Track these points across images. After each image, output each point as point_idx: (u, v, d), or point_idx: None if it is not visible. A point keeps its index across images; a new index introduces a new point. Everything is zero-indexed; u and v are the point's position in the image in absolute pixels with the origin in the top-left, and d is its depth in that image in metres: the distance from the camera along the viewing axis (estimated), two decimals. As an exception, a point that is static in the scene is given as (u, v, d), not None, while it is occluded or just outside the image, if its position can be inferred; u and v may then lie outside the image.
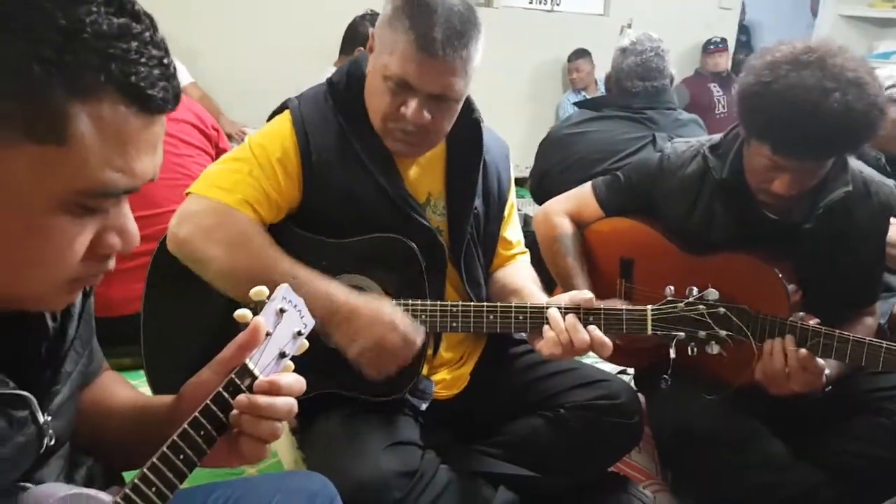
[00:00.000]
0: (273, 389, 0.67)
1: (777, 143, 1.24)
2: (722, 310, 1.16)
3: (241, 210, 1.15)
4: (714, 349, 1.17)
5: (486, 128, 1.34)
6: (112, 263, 0.57)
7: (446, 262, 1.26)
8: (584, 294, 1.18)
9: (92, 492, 0.60)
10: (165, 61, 0.52)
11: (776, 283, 1.34)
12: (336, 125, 1.21)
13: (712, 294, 1.17)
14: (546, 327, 1.15)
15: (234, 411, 0.66)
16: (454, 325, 1.20)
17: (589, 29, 4.84)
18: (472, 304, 1.22)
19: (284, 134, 1.20)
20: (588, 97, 4.37)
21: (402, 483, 1.13)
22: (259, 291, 0.73)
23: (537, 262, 1.51)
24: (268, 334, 0.69)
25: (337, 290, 1.12)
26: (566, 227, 1.59)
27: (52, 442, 0.62)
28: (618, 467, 1.52)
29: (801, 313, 1.32)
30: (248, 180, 1.16)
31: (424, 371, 1.28)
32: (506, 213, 1.42)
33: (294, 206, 1.21)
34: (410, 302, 1.19)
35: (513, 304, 1.20)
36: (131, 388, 0.81)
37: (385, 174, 1.21)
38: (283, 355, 0.72)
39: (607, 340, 1.12)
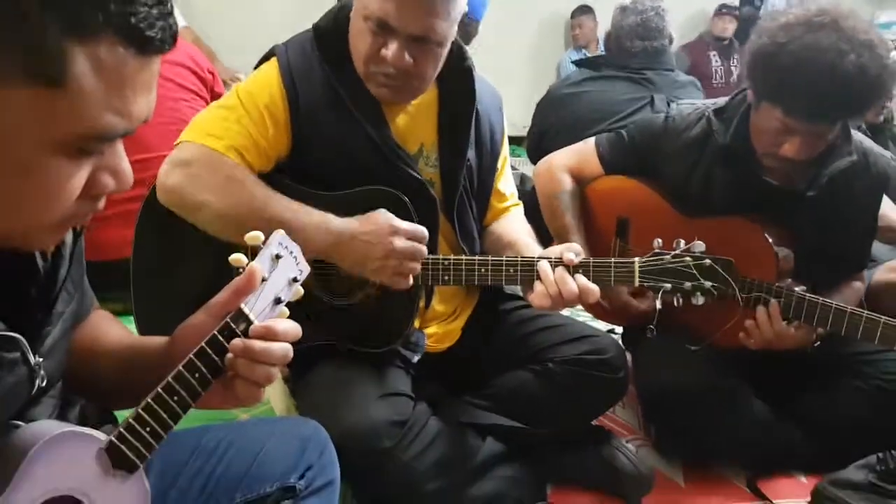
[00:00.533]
0: (269, 334, 0.67)
1: (790, 104, 1.24)
2: (707, 261, 1.17)
3: (228, 156, 1.14)
4: (699, 300, 1.18)
5: (479, 77, 1.31)
6: (102, 203, 0.56)
7: (438, 214, 1.25)
8: (573, 247, 1.19)
9: (86, 430, 0.61)
10: (163, 0, 0.51)
11: (766, 248, 1.36)
12: (322, 73, 1.19)
13: (699, 246, 1.18)
14: (537, 280, 1.16)
15: (230, 355, 0.66)
16: (446, 278, 1.20)
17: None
18: (464, 257, 1.22)
19: (271, 81, 1.18)
20: (588, 55, 4.31)
21: (393, 432, 1.16)
22: (254, 236, 0.72)
23: (532, 215, 1.51)
24: (263, 279, 0.69)
25: (332, 220, 1.12)
26: (567, 183, 1.59)
27: (44, 383, 0.63)
28: (602, 422, 1.56)
29: (789, 280, 1.34)
30: (236, 127, 1.15)
31: (416, 324, 1.29)
32: (499, 164, 1.40)
33: (283, 155, 1.20)
34: None
35: (504, 258, 1.21)
36: (123, 328, 0.81)
37: (373, 124, 1.19)
38: (278, 301, 0.72)
39: (593, 286, 1.13)
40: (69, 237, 0.65)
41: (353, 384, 1.19)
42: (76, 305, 0.70)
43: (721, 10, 4.68)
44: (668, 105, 1.97)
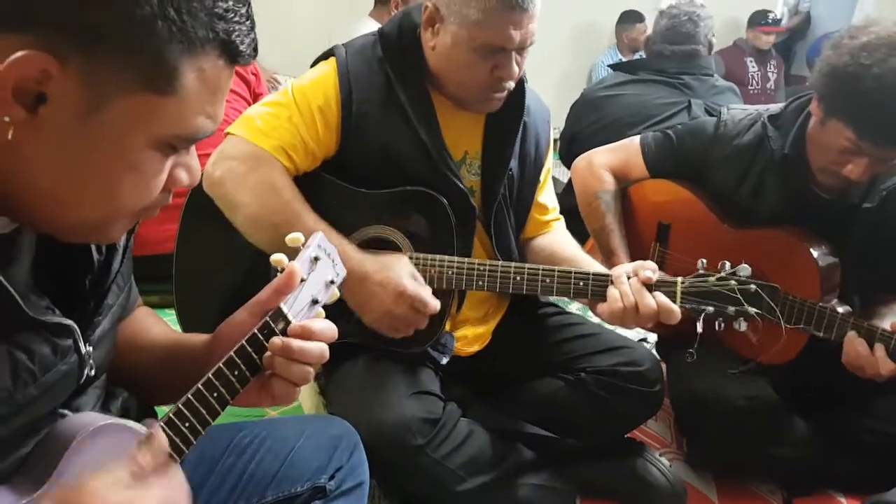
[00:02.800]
0: (305, 334, 0.69)
1: (866, 128, 1.21)
2: (753, 287, 1.14)
3: (276, 156, 1.14)
4: (742, 326, 1.14)
5: (529, 89, 1.31)
6: (170, 197, 0.60)
7: (476, 223, 1.25)
8: (649, 265, 1.15)
9: (128, 422, 0.61)
10: (250, 16, 0.56)
11: (811, 264, 1.32)
12: (383, 76, 1.19)
13: (745, 270, 1.14)
14: (611, 287, 1.14)
15: (268, 353, 0.68)
16: (480, 283, 1.19)
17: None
18: (500, 263, 1.21)
19: (328, 83, 1.19)
20: (622, 60, 4.26)
21: (425, 429, 1.15)
22: (295, 238, 0.74)
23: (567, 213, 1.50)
24: (302, 280, 0.70)
25: (351, 255, 1.12)
26: (609, 182, 1.56)
27: (93, 372, 0.64)
28: (633, 434, 1.53)
29: (834, 300, 1.30)
30: (287, 126, 1.16)
31: (447, 326, 1.29)
32: (542, 177, 1.39)
33: (330, 155, 1.21)
34: (438, 257, 1.19)
35: (540, 267, 1.19)
36: (165, 324, 0.82)
37: (427, 129, 1.19)
38: (315, 302, 0.73)
39: (675, 308, 1.10)
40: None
41: (384, 382, 1.19)
42: (124, 299, 0.72)
43: (761, 24, 4.57)
44: (706, 111, 1.94)
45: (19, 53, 0.46)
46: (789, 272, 1.23)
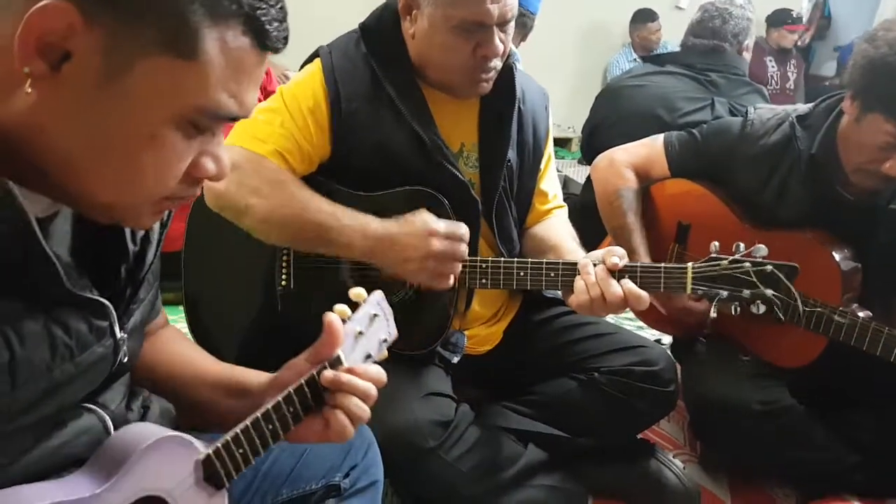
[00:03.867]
0: (356, 374, 0.74)
1: None
2: (769, 267, 1.09)
3: (272, 160, 1.14)
4: (759, 309, 1.10)
5: (522, 73, 1.29)
6: (198, 190, 0.61)
7: (479, 216, 1.23)
8: (616, 250, 1.11)
9: (189, 437, 0.64)
10: (282, 5, 0.56)
11: (832, 267, 1.30)
12: (368, 71, 1.18)
13: (760, 250, 1.10)
14: (577, 278, 1.10)
15: (325, 394, 0.73)
16: (483, 281, 1.17)
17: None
18: (503, 259, 1.19)
19: (315, 83, 1.18)
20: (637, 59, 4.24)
21: (437, 431, 1.15)
22: (358, 294, 0.79)
23: (573, 218, 1.47)
24: (360, 333, 0.77)
25: (372, 222, 1.11)
26: (631, 180, 1.54)
27: (125, 359, 0.65)
28: (646, 435, 1.52)
29: (854, 304, 1.28)
30: (280, 131, 1.15)
31: (457, 325, 1.28)
32: (542, 165, 1.37)
33: (325, 156, 1.20)
34: None
35: (544, 261, 1.16)
36: (215, 360, 0.84)
37: (420, 122, 1.18)
38: (368, 356, 0.79)
39: (642, 293, 1.06)
40: (157, 225, 0.69)
41: (395, 384, 1.16)
42: (153, 296, 0.73)
43: (787, 23, 4.52)
44: (731, 111, 1.92)
45: (47, 0, 0.46)
46: (809, 275, 1.21)
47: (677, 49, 2.33)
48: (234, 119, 0.57)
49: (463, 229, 1.12)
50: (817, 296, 1.23)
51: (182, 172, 0.57)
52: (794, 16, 4.44)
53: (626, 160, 1.56)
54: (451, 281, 1.13)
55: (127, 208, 0.57)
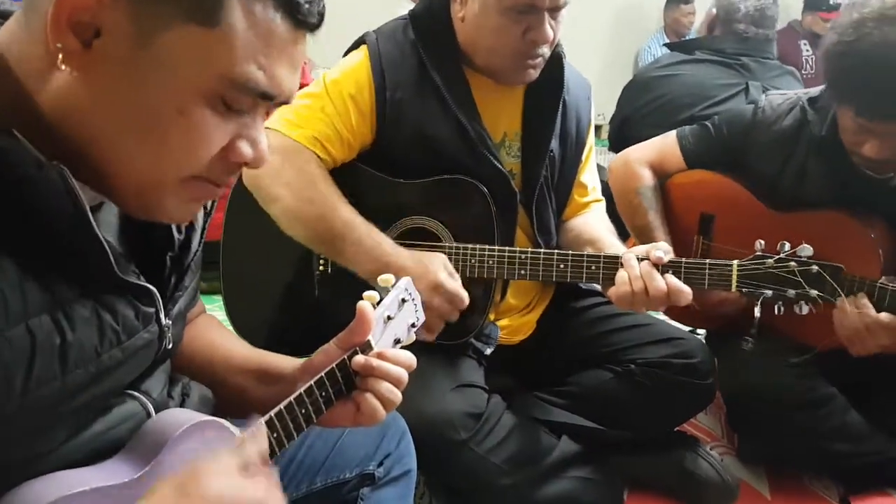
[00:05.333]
0: (386, 358, 0.74)
1: (860, 105, 1.16)
2: (815, 268, 1.08)
3: (311, 148, 1.14)
4: (804, 309, 1.10)
5: (568, 64, 1.27)
6: (234, 178, 0.60)
7: (517, 207, 1.22)
8: (662, 245, 1.12)
9: (225, 421, 0.65)
10: None
11: (869, 244, 1.27)
12: (416, 59, 1.18)
13: (806, 250, 1.09)
14: (620, 271, 1.10)
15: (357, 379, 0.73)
16: (522, 272, 1.17)
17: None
18: (542, 251, 1.18)
19: (360, 70, 1.18)
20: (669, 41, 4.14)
21: (469, 423, 1.14)
22: (386, 279, 0.79)
23: (610, 211, 1.46)
24: (389, 318, 0.77)
25: (386, 247, 1.11)
26: (648, 178, 1.52)
27: (170, 345, 0.66)
28: (682, 427, 1.49)
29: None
30: (321, 116, 1.15)
31: (491, 316, 1.27)
32: (583, 156, 1.36)
33: (367, 143, 1.19)
34: (479, 247, 1.17)
35: (584, 254, 1.16)
36: (249, 347, 0.85)
37: (465, 110, 1.17)
38: (397, 341, 0.80)
39: (685, 288, 1.06)
40: (201, 213, 0.69)
41: (427, 375, 1.18)
42: (196, 284, 0.74)
43: (822, 9, 4.37)
44: (764, 93, 1.87)
45: None
46: (846, 253, 1.17)
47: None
48: (268, 97, 0.55)
49: (464, 297, 1.11)
50: (856, 270, 1.20)
51: (213, 152, 0.56)
52: (832, 2, 4.29)
53: (641, 158, 1.54)
54: (431, 337, 1.13)
55: (156, 189, 0.56)
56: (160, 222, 0.63)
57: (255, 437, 0.61)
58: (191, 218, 0.65)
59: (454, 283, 1.11)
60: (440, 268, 1.11)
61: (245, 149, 0.57)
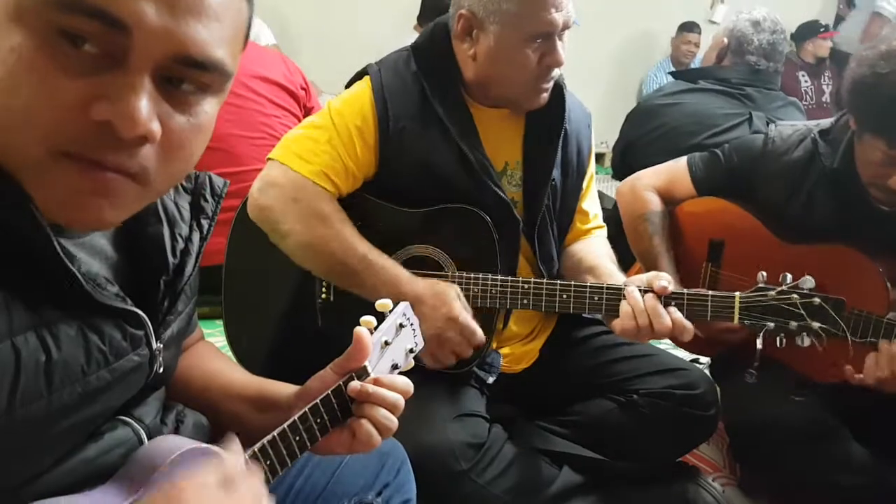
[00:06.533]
0: (383, 384, 0.73)
1: (893, 136, 1.17)
2: (818, 300, 1.09)
3: (318, 182, 1.15)
4: (805, 342, 1.10)
5: (569, 93, 1.29)
6: (121, 156, 0.48)
7: (520, 235, 1.23)
8: (663, 275, 1.12)
9: (215, 448, 0.63)
10: None
11: (877, 279, 1.26)
12: (418, 89, 1.19)
13: (808, 282, 1.09)
14: (623, 303, 1.10)
15: (353, 405, 0.72)
16: (525, 302, 1.17)
17: (680, 1, 4.61)
18: (545, 281, 1.18)
19: (364, 101, 1.19)
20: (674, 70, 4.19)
21: (470, 454, 1.14)
22: (384, 304, 0.78)
23: (613, 238, 1.46)
24: (387, 343, 0.77)
25: (403, 281, 1.12)
26: (655, 204, 1.52)
27: (161, 370, 0.65)
28: (684, 457, 1.48)
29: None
30: (327, 149, 1.16)
31: (493, 344, 1.27)
32: (584, 183, 1.37)
33: (370, 174, 1.21)
34: (482, 276, 1.18)
35: (587, 284, 1.16)
36: (246, 374, 0.84)
37: (467, 140, 1.18)
38: (395, 367, 0.79)
39: (688, 325, 1.07)
40: (196, 238, 0.68)
41: (429, 404, 1.18)
42: (191, 310, 0.74)
43: (819, 32, 4.42)
44: (768, 124, 1.88)
45: None
46: (854, 287, 1.17)
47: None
48: (117, 25, 0.45)
49: (480, 337, 1.12)
50: (863, 304, 1.19)
51: (63, 107, 0.45)
52: (822, 26, 4.35)
53: (650, 183, 1.54)
54: (439, 366, 1.14)
55: (33, 169, 0.47)
56: (88, 229, 0.58)
57: (231, 449, 0.60)
58: (114, 220, 0.54)
59: (469, 318, 1.11)
60: (455, 299, 1.12)
61: (102, 106, 0.46)
